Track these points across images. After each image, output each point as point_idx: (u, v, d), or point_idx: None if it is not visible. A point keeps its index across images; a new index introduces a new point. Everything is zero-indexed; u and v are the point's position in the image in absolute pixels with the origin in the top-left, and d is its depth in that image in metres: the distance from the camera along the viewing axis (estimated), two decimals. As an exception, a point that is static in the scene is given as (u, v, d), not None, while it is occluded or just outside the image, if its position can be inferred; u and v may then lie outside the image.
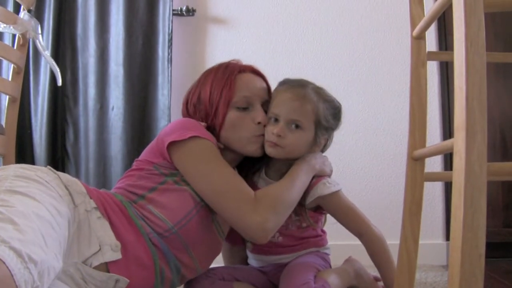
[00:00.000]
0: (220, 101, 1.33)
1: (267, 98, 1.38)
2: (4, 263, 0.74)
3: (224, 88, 1.34)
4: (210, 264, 1.38)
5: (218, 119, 1.33)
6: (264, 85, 1.41)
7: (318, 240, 1.41)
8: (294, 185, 1.26)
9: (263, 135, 1.33)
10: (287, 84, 1.33)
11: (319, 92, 1.32)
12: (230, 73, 1.37)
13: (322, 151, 1.41)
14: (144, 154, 1.33)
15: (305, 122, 1.29)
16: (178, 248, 1.23)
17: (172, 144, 1.24)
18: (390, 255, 1.34)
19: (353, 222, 1.38)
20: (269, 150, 1.30)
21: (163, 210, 1.20)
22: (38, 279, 0.80)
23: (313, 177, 1.34)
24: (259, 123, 1.33)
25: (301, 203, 1.33)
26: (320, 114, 1.30)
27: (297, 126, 1.28)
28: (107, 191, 1.27)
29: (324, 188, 1.34)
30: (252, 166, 1.44)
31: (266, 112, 1.35)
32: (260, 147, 1.34)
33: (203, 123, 1.34)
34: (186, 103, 1.42)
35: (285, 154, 1.30)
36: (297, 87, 1.30)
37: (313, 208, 1.39)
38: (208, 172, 1.22)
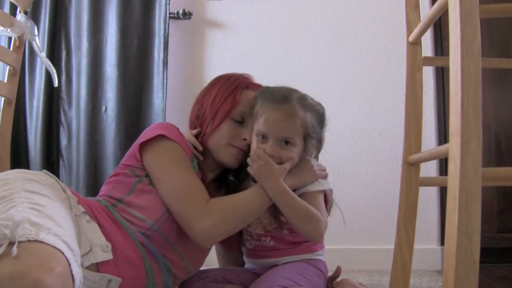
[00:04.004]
0: (220, 108, 1.35)
1: None
2: (63, 253, 0.80)
3: (228, 97, 1.36)
4: (201, 262, 1.39)
5: (213, 124, 1.35)
6: None
7: (310, 244, 1.40)
8: (252, 199, 1.26)
9: (242, 150, 1.34)
10: (271, 99, 1.28)
11: (304, 103, 1.29)
12: (237, 85, 1.39)
13: (318, 150, 1.40)
14: (123, 159, 1.37)
15: (295, 138, 1.27)
16: (163, 246, 1.24)
17: (142, 145, 1.28)
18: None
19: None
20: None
21: (141, 211, 1.23)
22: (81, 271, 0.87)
23: None
24: (244, 139, 1.34)
25: None
26: (309, 127, 1.29)
27: (287, 143, 1.27)
28: (91, 198, 1.30)
29: (311, 186, 1.32)
30: (239, 173, 1.45)
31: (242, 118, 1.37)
32: (235, 159, 1.35)
33: (195, 130, 1.38)
34: (195, 105, 1.44)
35: (267, 168, 1.26)
36: (283, 104, 1.27)
37: None
38: (166, 173, 1.25)
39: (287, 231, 1.37)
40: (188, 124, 1.45)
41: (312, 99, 1.34)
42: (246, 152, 1.35)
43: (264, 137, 1.27)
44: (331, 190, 1.38)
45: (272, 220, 1.35)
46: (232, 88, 1.38)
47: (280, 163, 1.26)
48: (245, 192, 1.28)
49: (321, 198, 1.33)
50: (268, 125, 1.26)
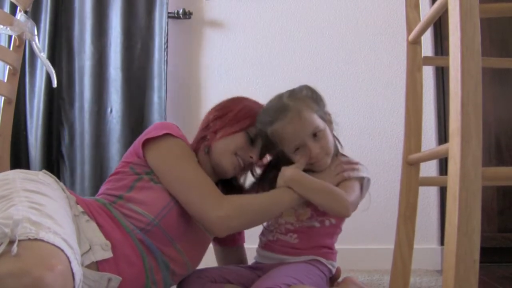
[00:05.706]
0: (244, 119, 1.38)
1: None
2: (63, 251, 0.81)
3: (253, 115, 1.38)
4: (200, 258, 1.40)
5: (230, 128, 1.37)
6: None
7: (328, 252, 1.40)
8: (272, 198, 1.29)
9: (243, 164, 1.38)
10: (275, 119, 1.32)
11: (295, 96, 1.33)
12: (260, 107, 1.41)
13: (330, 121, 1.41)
14: (123, 157, 1.39)
15: (316, 124, 1.31)
16: (162, 241, 1.25)
17: (146, 142, 1.29)
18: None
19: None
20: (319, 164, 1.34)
21: (142, 206, 1.24)
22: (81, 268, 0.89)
23: None
24: (250, 157, 1.38)
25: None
26: (314, 109, 1.33)
27: (315, 134, 1.31)
28: (89, 198, 1.31)
29: (354, 172, 1.37)
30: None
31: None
32: (233, 168, 1.38)
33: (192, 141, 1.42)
34: (215, 110, 1.46)
35: (328, 157, 1.35)
36: (285, 114, 1.31)
37: None
38: (177, 167, 1.27)
39: (318, 224, 1.36)
40: (194, 125, 1.48)
41: (297, 89, 1.38)
42: (244, 167, 1.40)
43: (299, 148, 1.32)
44: (368, 180, 1.41)
45: (307, 209, 1.37)
46: (256, 108, 1.41)
47: (328, 153, 1.34)
48: (265, 192, 1.31)
49: (352, 183, 1.36)
50: (294, 139, 1.31)
